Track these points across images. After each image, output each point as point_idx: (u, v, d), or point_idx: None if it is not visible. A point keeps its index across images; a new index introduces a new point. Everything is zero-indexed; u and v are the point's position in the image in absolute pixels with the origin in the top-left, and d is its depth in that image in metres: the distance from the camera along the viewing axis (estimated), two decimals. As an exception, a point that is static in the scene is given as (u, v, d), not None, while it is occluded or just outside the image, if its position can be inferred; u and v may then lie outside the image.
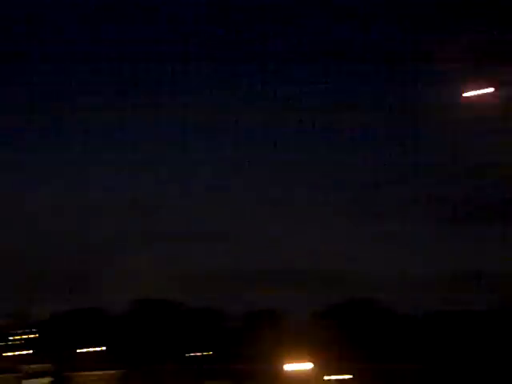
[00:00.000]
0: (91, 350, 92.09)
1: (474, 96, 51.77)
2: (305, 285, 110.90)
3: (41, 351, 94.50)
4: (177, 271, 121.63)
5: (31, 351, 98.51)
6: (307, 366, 67.40)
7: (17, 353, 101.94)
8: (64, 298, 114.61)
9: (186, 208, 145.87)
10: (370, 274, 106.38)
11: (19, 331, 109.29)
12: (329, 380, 68.56)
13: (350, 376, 66.63)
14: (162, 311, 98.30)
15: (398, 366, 65.52)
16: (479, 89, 51.07)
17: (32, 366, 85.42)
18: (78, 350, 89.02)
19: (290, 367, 69.59)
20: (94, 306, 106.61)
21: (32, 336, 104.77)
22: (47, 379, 69.07)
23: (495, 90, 52.46)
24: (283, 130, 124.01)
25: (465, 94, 50.66)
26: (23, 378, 73.42)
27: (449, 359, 66.53)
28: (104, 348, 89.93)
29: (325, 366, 67.06)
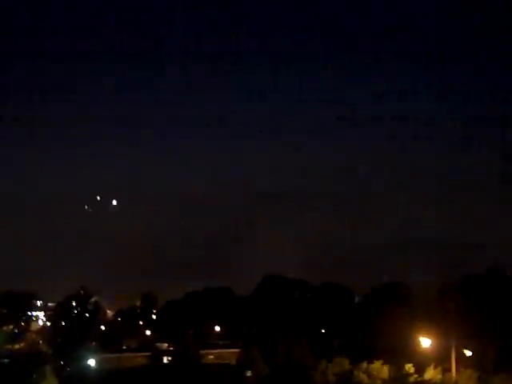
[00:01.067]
0: (216, 327, 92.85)
1: None
2: (433, 257, 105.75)
3: (166, 329, 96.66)
4: (302, 249, 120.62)
5: (158, 329, 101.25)
6: (433, 339, 62.57)
7: (148, 332, 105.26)
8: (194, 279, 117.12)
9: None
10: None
11: (150, 312, 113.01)
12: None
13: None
14: (288, 289, 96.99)
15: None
16: None
17: (159, 345, 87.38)
18: (202, 328, 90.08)
19: (422, 343, 65.04)
20: (224, 285, 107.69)
21: (158, 315, 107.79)
22: (169, 357, 70.13)
23: None
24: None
25: None
26: (159, 355, 75.31)
27: None
28: (228, 325, 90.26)
29: (457, 341, 61.73)
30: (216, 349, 73.10)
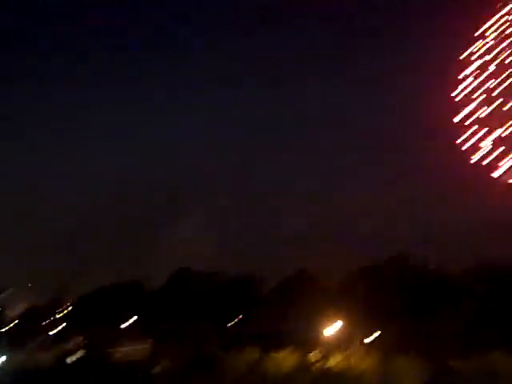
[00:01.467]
0: (125, 324, 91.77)
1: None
2: (338, 245, 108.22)
3: (75, 326, 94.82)
4: (212, 239, 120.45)
5: (66, 327, 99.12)
6: (338, 326, 64.79)
7: (58, 328, 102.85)
8: (103, 273, 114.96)
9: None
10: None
11: (59, 309, 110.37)
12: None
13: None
14: (198, 281, 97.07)
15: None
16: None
17: (67, 343, 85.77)
18: (111, 325, 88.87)
19: (327, 330, 67.07)
20: (134, 279, 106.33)
21: (66, 312, 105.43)
22: (80, 352, 69.09)
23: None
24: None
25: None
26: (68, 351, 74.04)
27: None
28: (137, 321, 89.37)
29: (360, 327, 64.01)
30: (125, 345, 72.43)
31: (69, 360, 68.21)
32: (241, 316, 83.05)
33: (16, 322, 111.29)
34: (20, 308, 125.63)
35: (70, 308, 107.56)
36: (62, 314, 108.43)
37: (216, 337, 72.23)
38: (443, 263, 74.29)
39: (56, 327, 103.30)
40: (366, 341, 64.84)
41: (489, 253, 74.84)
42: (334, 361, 60.74)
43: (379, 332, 63.22)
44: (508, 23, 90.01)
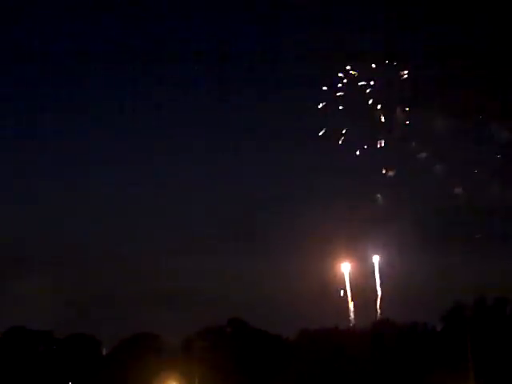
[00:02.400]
0: None
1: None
2: (178, 307, 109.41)
3: None
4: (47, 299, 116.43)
5: None
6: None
7: None
8: None
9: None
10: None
11: None
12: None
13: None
14: (32, 341, 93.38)
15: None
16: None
17: None
18: None
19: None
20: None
21: None
22: None
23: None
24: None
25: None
26: None
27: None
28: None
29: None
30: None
31: None
32: (78, 377, 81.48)
33: None
34: None
35: None
36: None
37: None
38: (279, 327, 79.01)
39: None
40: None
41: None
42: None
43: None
44: None
